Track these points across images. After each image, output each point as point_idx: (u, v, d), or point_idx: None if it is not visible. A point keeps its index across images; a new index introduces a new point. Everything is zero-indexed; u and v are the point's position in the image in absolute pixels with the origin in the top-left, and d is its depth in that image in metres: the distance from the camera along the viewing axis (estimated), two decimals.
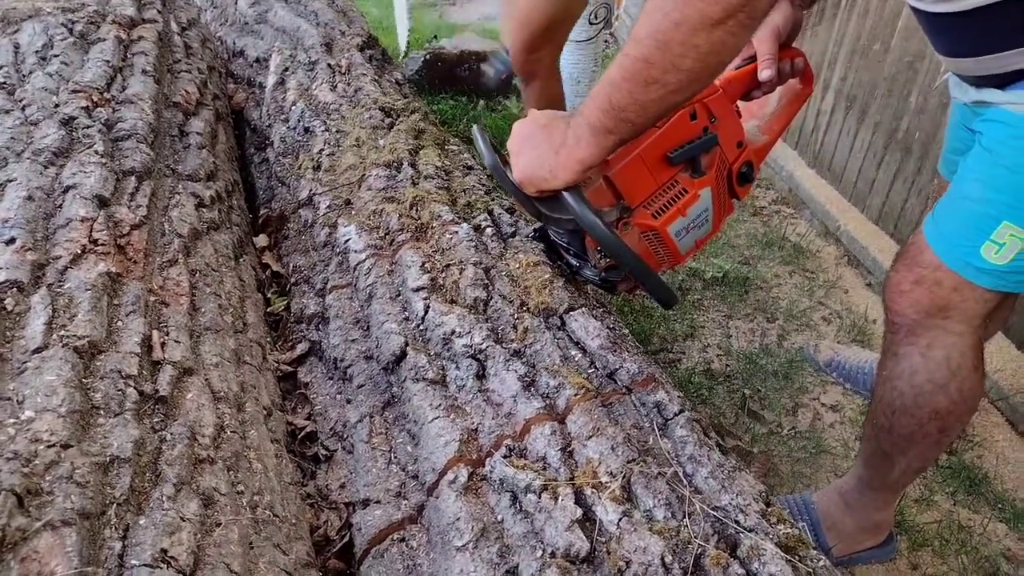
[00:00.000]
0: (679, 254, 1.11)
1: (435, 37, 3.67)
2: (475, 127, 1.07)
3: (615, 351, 1.01)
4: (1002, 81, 0.95)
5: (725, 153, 1.10)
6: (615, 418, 0.90)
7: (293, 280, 1.42)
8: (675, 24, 0.77)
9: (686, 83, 0.82)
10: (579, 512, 0.77)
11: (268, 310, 1.38)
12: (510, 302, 1.13)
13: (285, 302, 1.38)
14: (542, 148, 0.97)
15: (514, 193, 1.03)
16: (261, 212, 1.65)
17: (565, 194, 0.96)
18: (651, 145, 1.01)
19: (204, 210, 1.31)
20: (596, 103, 0.88)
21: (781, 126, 1.25)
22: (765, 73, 1.13)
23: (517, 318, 1.09)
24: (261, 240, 1.56)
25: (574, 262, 1.17)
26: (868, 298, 2.17)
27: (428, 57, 3.06)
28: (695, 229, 1.10)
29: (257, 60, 2.17)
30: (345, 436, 1.05)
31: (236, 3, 2.45)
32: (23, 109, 1.31)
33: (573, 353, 1.03)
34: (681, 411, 0.91)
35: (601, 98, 0.87)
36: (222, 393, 0.94)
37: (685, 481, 0.82)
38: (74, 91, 1.37)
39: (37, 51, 1.53)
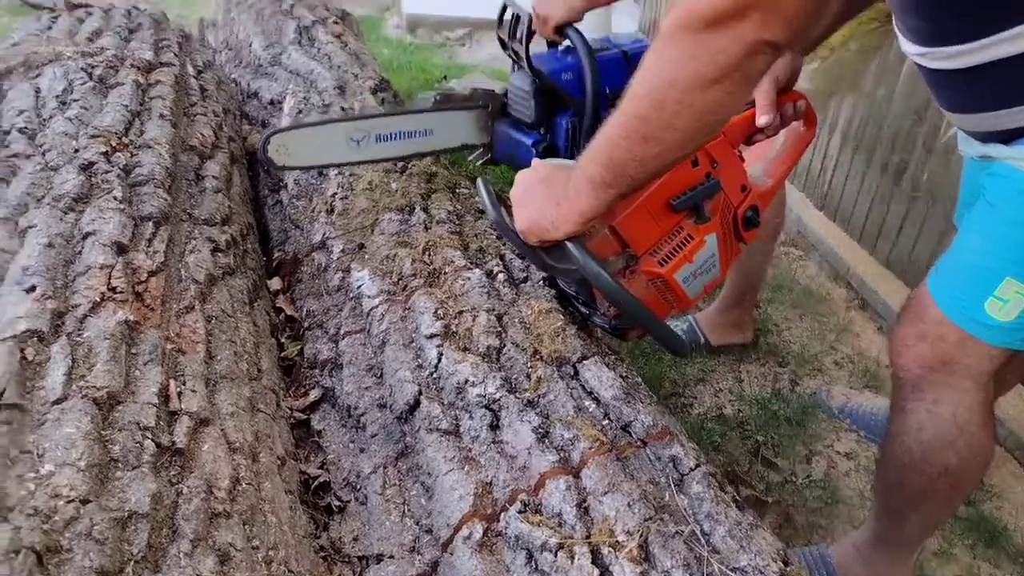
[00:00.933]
0: (687, 299, 1.11)
1: (444, 78, 3.72)
2: (479, 179, 1.08)
3: (629, 402, 1.01)
4: (1006, 136, 0.96)
5: (729, 198, 1.10)
6: (631, 473, 0.90)
7: (306, 324, 1.42)
8: (670, 83, 0.78)
9: (683, 141, 0.83)
10: (596, 572, 0.76)
11: (281, 355, 1.38)
12: (523, 350, 1.13)
13: (299, 347, 1.38)
14: (543, 200, 0.98)
15: (518, 245, 1.04)
16: (275, 255, 1.66)
17: (568, 245, 0.97)
18: (654, 193, 1.01)
19: (220, 255, 1.32)
20: (595, 159, 0.89)
21: (785, 169, 1.26)
22: (763, 119, 1.14)
23: (530, 367, 1.09)
24: (275, 283, 1.57)
25: (584, 310, 1.17)
26: (879, 342, 2.16)
27: (438, 98, 3.10)
28: (703, 274, 1.10)
29: (271, 102, 2.21)
30: (359, 487, 1.05)
31: (251, 46, 2.50)
32: (43, 154, 1.33)
33: (587, 404, 1.03)
34: (697, 466, 0.91)
35: (600, 154, 0.88)
36: (237, 444, 0.94)
37: (703, 540, 0.81)
38: (93, 136, 1.39)
39: (57, 95, 1.57)
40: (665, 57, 0.78)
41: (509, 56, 1.55)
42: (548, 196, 0.97)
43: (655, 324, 1.04)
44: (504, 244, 1.49)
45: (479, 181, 1.09)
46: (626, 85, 1.53)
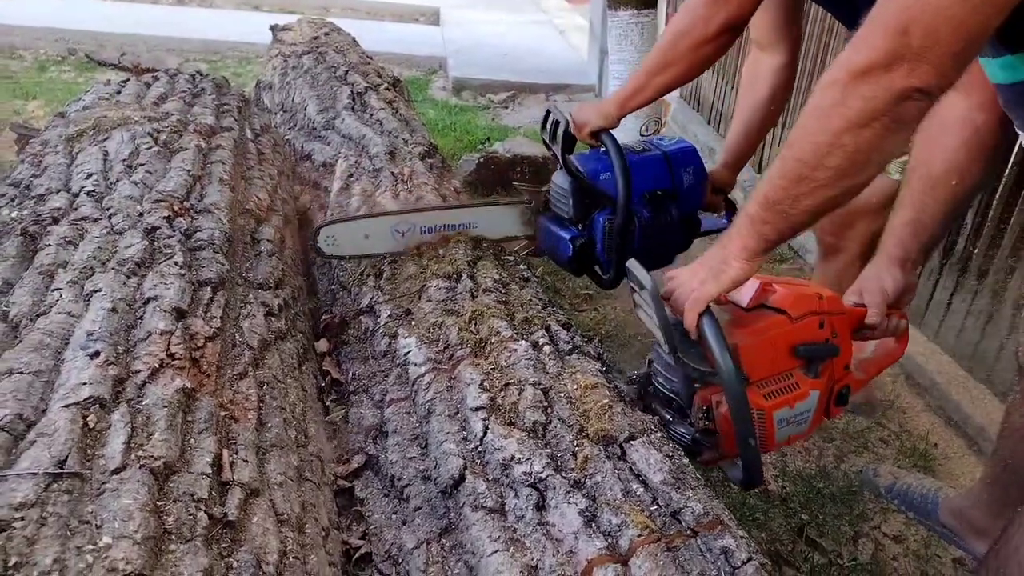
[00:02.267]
0: (773, 442, 1.12)
1: (488, 139, 3.81)
2: (631, 260, 1.12)
3: (678, 488, 1.00)
4: None
5: (835, 368, 1.15)
6: (681, 564, 0.88)
7: (352, 388, 1.44)
8: (823, 127, 0.86)
9: (834, 179, 0.88)
10: None
11: (326, 418, 1.40)
12: (569, 427, 1.13)
13: (343, 411, 1.40)
14: (712, 254, 1.04)
15: (662, 321, 1.06)
16: (323, 317, 1.69)
17: (709, 333, 1.00)
18: (783, 333, 1.08)
19: (272, 319, 1.35)
20: (755, 198, 0.97)
21: (874, 371, 1.32)
22: (873, 318, 1.18)
23: (576, 445, 1.09)
24: (321, 345, 1.60)
25: (667, 415, 1.18)
26: (928, 420, 2.11)
27: (482, 160, 3.17)
28: (794, 424, 1.13)
29: (324, 164, 2.27)
30: (400, 561, 1.04)
31: (305, 109, 2.59)
32: (110, 218, 1.38)
33: (635, 487, 1.01)
34: (749, 559, 0.89)
35: (759, 193, 0.96)
36: (285, 515, 0.94)
37: None
38: (157, 200, 1.44)
39: (124, 159, 1.63)
40: (821, 104, 0.86)
41: (552, 157, 1.62)
42: (716, 248, 1.04)
43: (751, 445, 1.05)
44: (549, 314, 1.50)
45: (630, 261, 1.15)
46: (666, 185, 1.57)
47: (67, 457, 0.82)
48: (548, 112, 1.59)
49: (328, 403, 1.44)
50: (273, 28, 3.41)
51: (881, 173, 0.94)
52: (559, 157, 1.57)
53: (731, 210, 1.74)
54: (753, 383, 1.07)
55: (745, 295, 1.10)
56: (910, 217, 1.21)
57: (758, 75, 1.69)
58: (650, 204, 1.55)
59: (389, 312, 1.52)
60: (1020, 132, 1.08)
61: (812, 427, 1.17)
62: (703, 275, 1.03)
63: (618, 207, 1.49)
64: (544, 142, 1.64)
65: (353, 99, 2.48)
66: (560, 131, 1.54)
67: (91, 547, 0.73)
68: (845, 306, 1.17)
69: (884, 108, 0.81)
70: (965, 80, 1.06)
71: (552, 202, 1.64)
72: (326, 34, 3.24)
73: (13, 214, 1.41)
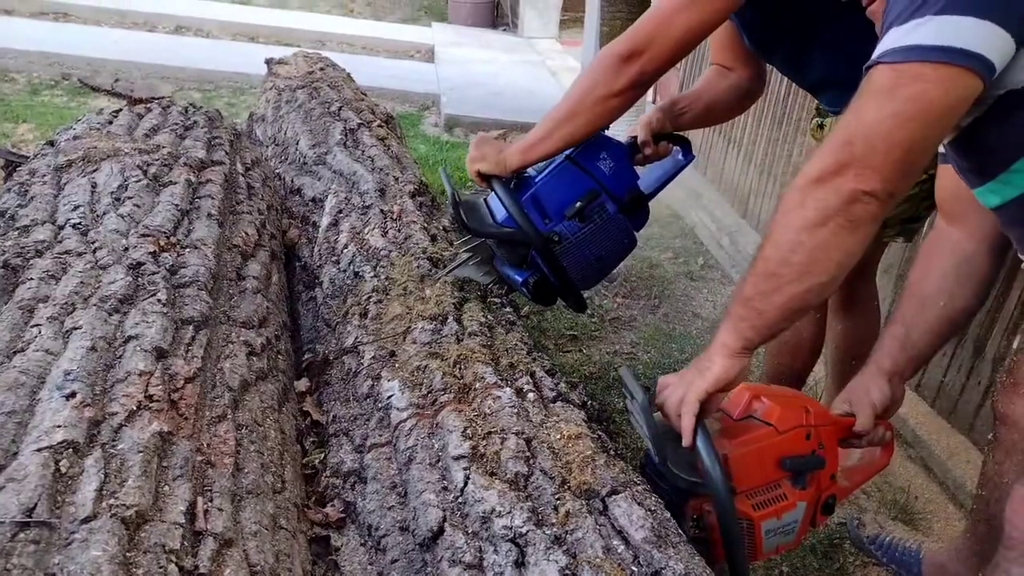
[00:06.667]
0: (760, 551, 1.13)
1: None
2: (623, 368, 1.17)
3: (660, 546, 0.98)
4: None
5: (822, 479, 1.17)
6: None
7: (331, 431, 1.42)
8: (784, 227, 0.97)
9: (798, 275, 0.96)
10: None
11: (304, 460, 1.37)
12: (551, 479, 1.11)
13: (322, 454, 1.38)
14: (699, 357, 1.10)
15: (651, 431, 1.09)
16: (305, 356, 1.67)
17: (701, 444, 1.02)
18: (771, 445, 1.10)
19: (254, 359, 1.34)
20: (733, 297, 1.06)
21: (859, 480, 1.35)
22: (861, 428, 1.22)
23: (558, 498, 1.08)
24: (302, 384, 1.58)
25: None
26: (910, 471, 2.11)
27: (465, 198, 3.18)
28: (781, 535, 1.14)
29: (313, 200, 2.27)
30: None
31: (298, 144, 2.59)
32: (94, 252, 1.37)
33: (615, 543, 1.00)
34: None
35: (737, 291, 1.05)
36: (259, 567, 0.92)
37: None
38: (143, 235, 1.44)
39: (112, 192, 1.62)
40: (785, 207, 0.97)
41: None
42: (703, 353, 1.09)
43: (740, 554, 1.07)
44: (534, 360, 1.49)
45: (622, 370, 1.17)
46: (586, 188, 1.53)
47: (36, 504, 0.80)
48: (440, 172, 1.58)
49: (307, 445, 1.42)
50: (268, 61, 3.43)
51: None
52: (466, 230, 1.55)
53: (684, 146, 1.69)
54: (741, 493, 1.08)
55: (734, 406, 1.13)
56: (900, 333, 1.27)
57: (724, 77, 1.70)
58: (577, 217, 1.51)
59: (373, 353, 1.51)
60: (1021, 256, 1.13)
61: (799, 537, 1.19)
62: (690, 376, 1.07)
63: (530, 239, 1.47)
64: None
65: (345, 135, 2.49)
66: (455, 209, 1.52)
67: None
68: (832, 417, 1.20)
69: (836, 209, 0.92)
70: (959, 211, 1.22)
71: (494, 251, 1.63)
72: (321, 69, 3.27)
73: None
